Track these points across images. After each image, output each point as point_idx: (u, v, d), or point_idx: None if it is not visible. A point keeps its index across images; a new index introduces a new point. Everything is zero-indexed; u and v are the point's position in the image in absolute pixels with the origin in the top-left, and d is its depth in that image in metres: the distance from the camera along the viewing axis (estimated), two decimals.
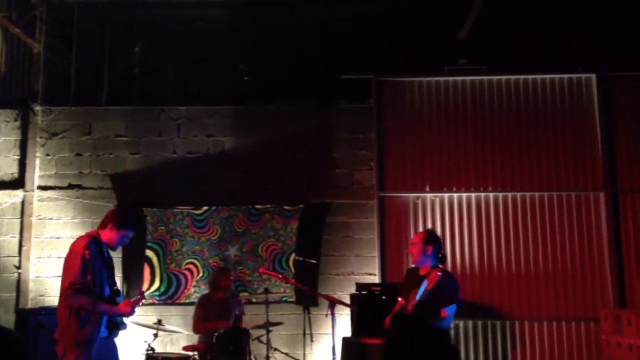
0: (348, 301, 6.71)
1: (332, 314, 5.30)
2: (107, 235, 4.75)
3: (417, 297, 4.67)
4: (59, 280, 4.47)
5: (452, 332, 7.32)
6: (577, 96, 7.85)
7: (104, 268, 4.62)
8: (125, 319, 4.78)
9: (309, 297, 6.95)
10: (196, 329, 6.72)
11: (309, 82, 7.88)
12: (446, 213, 7.68)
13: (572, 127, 7.78)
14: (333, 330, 5.28)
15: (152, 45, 7.97)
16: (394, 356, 1.82)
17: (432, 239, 5.07)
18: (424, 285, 4.67)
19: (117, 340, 4.85)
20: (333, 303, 5.39)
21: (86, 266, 4.44)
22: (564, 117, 7.80)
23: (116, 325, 4.65)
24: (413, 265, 5.22)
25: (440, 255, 5.08)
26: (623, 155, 7.68)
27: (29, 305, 7.41)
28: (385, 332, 1.87)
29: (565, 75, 7.87)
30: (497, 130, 7.80)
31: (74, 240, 4.73)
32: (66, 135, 7.87)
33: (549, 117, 7.81)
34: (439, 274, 4.71)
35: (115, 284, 4.78)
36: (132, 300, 4.71)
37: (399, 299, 5.02)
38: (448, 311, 4.79)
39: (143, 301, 4.95)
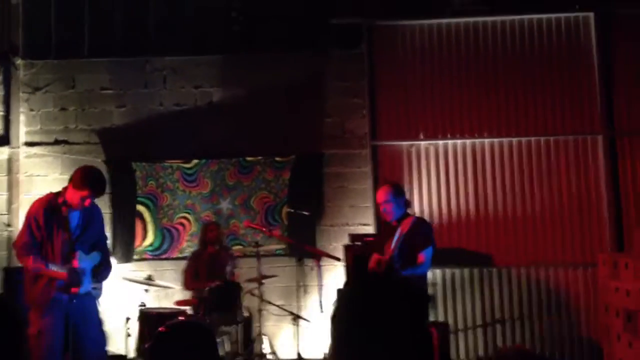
0: (341, 252, 6.66)
1: (318, 266, 5.23)
2: (68, 194, 4.54)
3: (392, 246, 4.68)
4: None
5: (442, 280, 7.29)
6: (574, 36, 7.60)
7: (60, 230, 4.45)
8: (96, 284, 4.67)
9: (303, 249, 6.87)
10: (187, 286, 6.68)
11: (298, 29, 7.61)
12: (441, 161, 7.53)
13: (569, 69, 7.55)
14: (320, 283, 5.21)
15: None
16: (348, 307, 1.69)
17: (400, 191, 5.16)
18: (397, 233, 4.70)
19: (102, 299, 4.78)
20: (318, 256, 5.33)
21: (30, 229, 4.39)
22: (560, 58, 7.57)
23: (66, 289, 4.36)
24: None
25: (407, 202, 5.15)
26: (621, 97, 7.46)
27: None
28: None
29: (563, 14, 7.59)
30: (491, 74, 7.58)
31: None
32: (50, 90, 7.66)
33: (544, 59, 7.57)
34: (412, 219, 4.77)
35: (73, 243, 4.48)
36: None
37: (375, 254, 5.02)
38: (425, 255, 4.84)
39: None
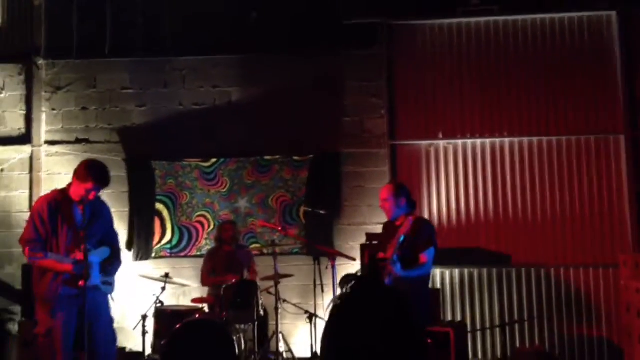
0: (358, 251, 6.65)
1: (333, 266, 5.22)
2: (73, 188, 4.57)
3: (397, 247, 4.66)
4: None
5: (460, 280, 7.24)
6: (596, 35, 7.49)
7: (64, 225, 4.48)
8: (111, 278, 4.70)
9: (318, 249, 6.86)
10: (204, 282, 6.72)
11: (317, 29, 7.60)
12: (459, 160, 7.47)
13: (591, 69, 7.44)
14: (334, 283, 5.20)
15: None
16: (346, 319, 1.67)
17: (401, 191, 5.10)
18: (399, 233, 4.68)
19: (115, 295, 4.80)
20: (334, 255, 5.32)
21: (34, 225, 4.42)
22: (582, 57, 7.47)
23: (73, 283, 4.38)
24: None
25: (411, 203, 5.12)
26: None
27: None
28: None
29: (585, 14, 7.49)
30: (512, 73, 7.50)
31: None
32: (71, 89, 7.76)
33: (566, 58, 7.48)
34: (411, 219, 4.75)
35: (79, 237, 4.44)
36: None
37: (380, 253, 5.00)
38: (427, 255, 4.80)
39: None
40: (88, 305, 4.31)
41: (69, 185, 4.65)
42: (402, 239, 4.65)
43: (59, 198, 4.55)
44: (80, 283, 4.31)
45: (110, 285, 4.70)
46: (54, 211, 4.48)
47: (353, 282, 4.65)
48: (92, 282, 4.47)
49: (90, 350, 4.36)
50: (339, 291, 5.50)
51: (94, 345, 4.41)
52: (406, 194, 5.12)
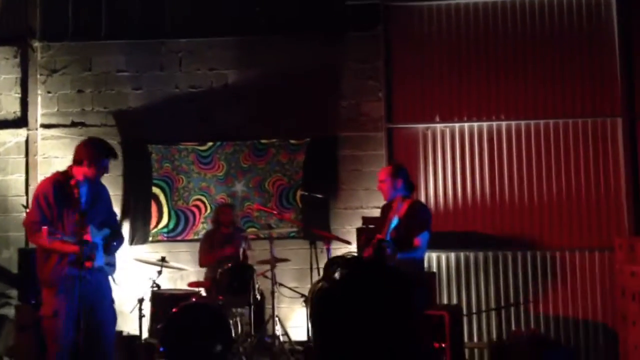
0: (355, 235, 6.66)
1: (328, 249, 5.24)
2: (84, 171, 4.58)
3: (390, 229, 4.67)
4: None
5: (457, 263, 7.25)
6: (595, 17, 7.43)
7: (70, 208, 4.50)
8: (111, 259, 4.72)
9: (314, 233, 6.87)
10: (203, 262, 6.73)
11: (313, 10, 7.54)
12: (457, 143, 7.45)
13: (589, 51, 7.40)
14: None
15: None
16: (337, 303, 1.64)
17: (399, 172, 5.10)
18: (395, 217, 4.69)
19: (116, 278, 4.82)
20: (329, 239, 5.33)
21: (40, 207, 4.42)
22: (580, 39, 7.42)
23: (79, 263, 4.33)
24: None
25: (409, 185, 5.12)
26: None
27: None
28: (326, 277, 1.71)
29: None
30: (510, 55, 7.45)
31: None
32: (66, 72, 7.70)
33: (564, 40, 7.42)
34: (408, 202, 4.76)
35: (85, 222, 4.48)
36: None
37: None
38: (420, 239, 4.80)
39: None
40: (92, 286, 4.39)
41: (70, 167, 4.66)
42: (396, 221, 4.65)
43: (62, 180, 4.58)
44: (87, 264, 4.34)
45: (112, 266, 4.75)
46: (59, 194, 4.51)
47: (355, 265, 4.62)
48: (96, 263, 4.52)
49: (93, 331, 4.40)
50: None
51: (97, 326, 4.46)
52: (404, 175, 5.11)
